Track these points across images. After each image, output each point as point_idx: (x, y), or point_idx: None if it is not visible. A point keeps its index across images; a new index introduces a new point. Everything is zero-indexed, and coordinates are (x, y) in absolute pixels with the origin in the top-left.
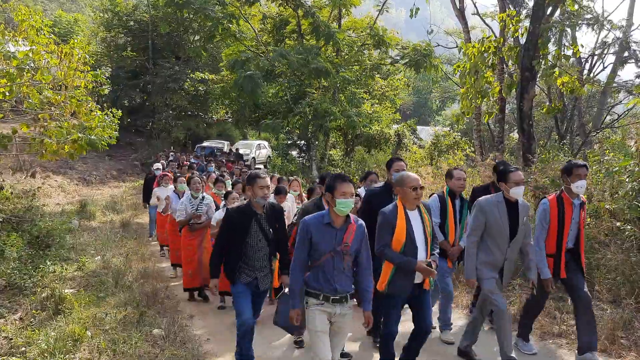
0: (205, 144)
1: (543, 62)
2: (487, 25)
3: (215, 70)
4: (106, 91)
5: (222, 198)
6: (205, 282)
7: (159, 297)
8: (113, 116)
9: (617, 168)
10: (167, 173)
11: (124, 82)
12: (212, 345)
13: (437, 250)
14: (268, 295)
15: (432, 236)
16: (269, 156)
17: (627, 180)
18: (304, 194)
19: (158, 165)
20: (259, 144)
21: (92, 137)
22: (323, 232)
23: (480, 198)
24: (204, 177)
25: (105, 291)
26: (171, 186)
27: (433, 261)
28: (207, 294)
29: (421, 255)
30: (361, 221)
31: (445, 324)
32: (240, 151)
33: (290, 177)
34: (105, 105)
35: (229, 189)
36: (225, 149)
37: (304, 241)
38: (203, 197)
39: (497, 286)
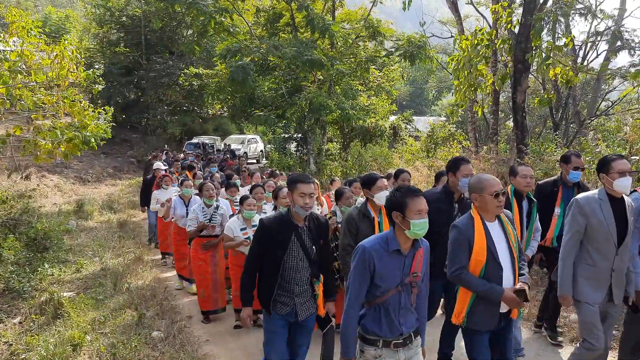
0: (195, 140)
1: (536, 55)
2: (480, 14)
3: (209, 65)
4: (99, 89)
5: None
6: (222, 305)
7: (158, 298)
8: (105, 113)
9: None
10: (167, 174)
11: (117, 78)
12: (211, 347)
13: (526, 270)
14: None
15: (518, 251)
16: (261, 151)
17: None
18: (322, 196)
19: (159, 164)
20: (250, 139)
21: (87, 133)
22: (388, 261)
23: (577, 196)
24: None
25: (104, 294)
26: (173, 188)
27: (523, 285)
28: (210, 319)
29: (507, 277)
30: (425, 240)
31: (517, 350)
32: (232, 146)
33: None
34: (99, 102)
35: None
36: (218, 145)
37: (363, 274)
38: (217, 206)
39: (605, 315)
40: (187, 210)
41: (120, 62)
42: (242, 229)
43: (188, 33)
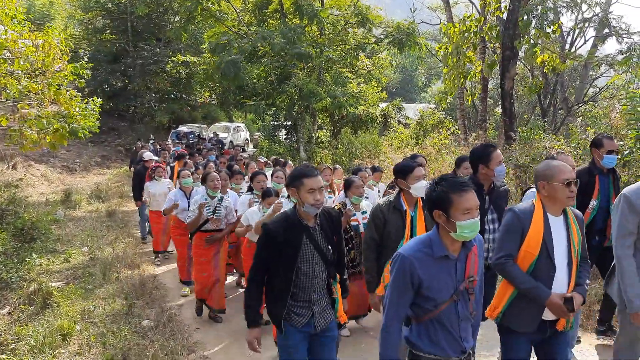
0: (180, 128)
1: (524, 42)
2: (469, 0)
3: (197, 52)
4: (83, 83)
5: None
6: (220, 307)
7: (147, 287)
8: (94, 104)
9: None
10: (161, 165)
11: (103, 65)
12: (201, 335)
13: (586, 281)
14: None
15: (579, 257)
16: (246, 139)
17: None
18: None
19: (149, 154)
20: (236, 127)
21: (74, 125)
22: (436, 269)
23: (625, 190)
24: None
25: (93, 283)
26: (165, 180)
27: (576, 295)
28: (219, 316)
29: (560, 281)
30: (479, 235)
31: None
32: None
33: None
34: (85, 90)
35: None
36: (204, 134)
37: (404, 287)
38: (222, 198)
39: None
40: (188, 203)
41: (106, 49)
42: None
43: (175, 19)
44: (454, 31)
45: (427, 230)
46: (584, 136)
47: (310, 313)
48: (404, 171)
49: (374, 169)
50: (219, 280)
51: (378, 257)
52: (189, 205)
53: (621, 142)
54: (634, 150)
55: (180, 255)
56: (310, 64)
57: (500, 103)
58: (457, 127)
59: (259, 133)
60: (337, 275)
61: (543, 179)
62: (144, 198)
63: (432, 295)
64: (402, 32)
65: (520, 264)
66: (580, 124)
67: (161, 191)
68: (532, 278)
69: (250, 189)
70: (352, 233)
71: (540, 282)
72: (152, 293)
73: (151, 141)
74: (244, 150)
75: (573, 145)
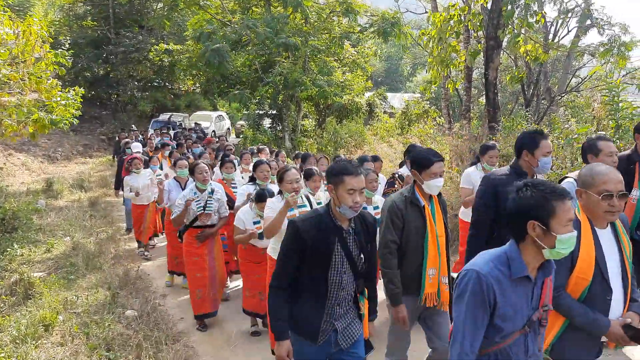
0: (161, 117)
1: (508, 31)
2: None
3: (180, 39)
4: (64, 71)
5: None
6: (214, 308)
7: (131, 277)
8: (75, 93)
9: (577, 135)
10: (136, 156)
11: (85, 52)
12: (185, 324)
13: (639, 294)
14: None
15: (632, 269)
16: (228, 128)
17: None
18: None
19: (137, 144)
20: (219, 116)
21: (54, 116)
22: (513, 293)
23: None
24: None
25: (76, 273)
26: (146, 171)
27: (634, 317)
28: (205, 323)
29: (617, 302)
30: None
31: None
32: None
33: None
34: (66, 77)
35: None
36: (186, 123)
37: (482, 313)
38: (212, 190)
39: None
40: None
41: (87, 36)
42: (255, 222)
43: (158, 7)
44: (439, 19)
45: (446, 231)
46: (566, 126)
47: (332, 328)
48: (420, 164)
49: (375, 159)
50: (216, 278)
51: (400, 264)
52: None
53: (602, 132)
54: (614, 140)
55: (173, 249)
56: (295, 53)
57: (484, 93)
58: (442, 116)
59: (241, 122)
60: (366, 290)
61: (582, 185)
62: (120, 192)
63: (503, 324)
64: (387, 21)
65: (572, 292)
66: (563, 114)
67: (143, 183)
68: (588, 308)
69: (252, 180)
70: None
71: (596, 309)
72: (136, 283)
73: (132, 131)
74: (226, 140)
75: (556, 134)
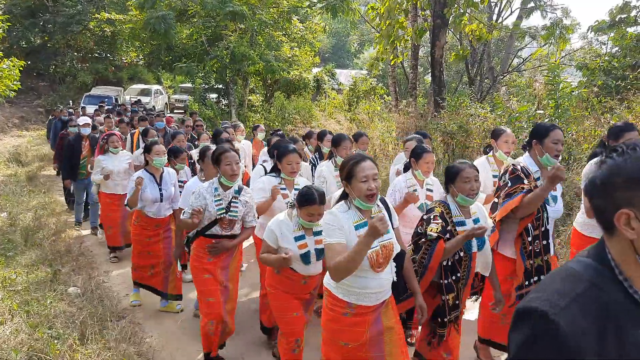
0: (93, 92)
1: (454, 10)
2: None
3: (123, 9)
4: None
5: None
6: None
7: (73, 254)
8: (13, 64)
9: (518, 114)
10: (114, 132)
11: (20, 20)
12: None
13: None
14: None
15: None
16: (166, 103)
17: (524, 125)
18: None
19: (85, 119)
20: (157, 90)
21: None
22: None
23: None
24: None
25: (14, 250)
26: (125, 153)
27: None
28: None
29: None
30: None
31: None
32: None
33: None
34: (0, 47)
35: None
36: (122, 98)
37: None
38: (240, 189)
39: None
40: (160, 190)
41: (22, 3)
42: (297, 239)
43: None
44: None
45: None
46: (507, 105)
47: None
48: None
49: (359, 135)
50: (228, 304)
51: None
52: (161, 196)
53: (541, 111)
54: (553, 118)
55: (138, 258)
56: (242, 26)
57: (430, 71)
58: (389, 94)
59: (176, 96)
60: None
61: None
62: (94, 177)
63: None
64: None
65: None
66: (505, 92)
67: (120, 167)
68: None
69: (274, 170)
70: (462, 253)
71: None
72: (79, 260)
73: (68, 106)
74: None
75: (499, 113)
